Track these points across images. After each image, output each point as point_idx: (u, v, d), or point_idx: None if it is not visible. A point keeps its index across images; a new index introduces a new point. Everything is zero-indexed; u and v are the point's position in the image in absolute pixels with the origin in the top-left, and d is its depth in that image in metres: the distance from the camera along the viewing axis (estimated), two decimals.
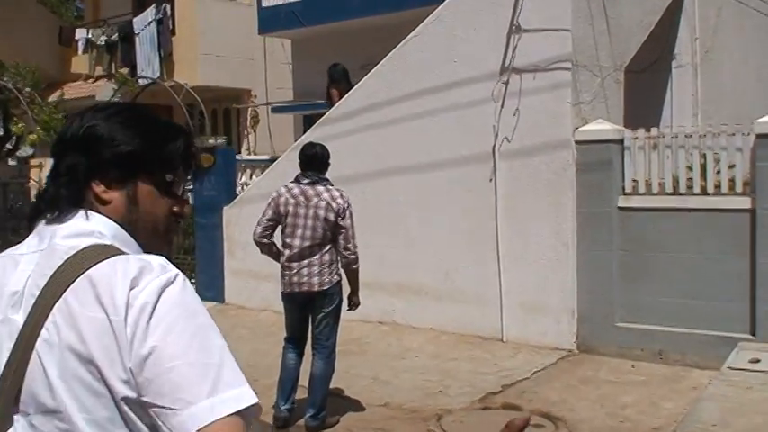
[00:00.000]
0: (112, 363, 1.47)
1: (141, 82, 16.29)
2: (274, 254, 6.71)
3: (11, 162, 27.98)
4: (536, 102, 8.42)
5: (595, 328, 8.23)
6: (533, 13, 8.45)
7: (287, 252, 6.52)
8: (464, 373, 7.86)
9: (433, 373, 7.93)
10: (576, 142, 8.23)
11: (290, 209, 6.47)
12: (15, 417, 1.55)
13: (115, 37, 19.54)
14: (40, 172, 14.20)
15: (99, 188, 1.68)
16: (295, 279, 6.52)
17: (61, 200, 1.67)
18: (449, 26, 9.07)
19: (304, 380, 6.76)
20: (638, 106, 9.63)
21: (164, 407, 1.46)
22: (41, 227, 1.70)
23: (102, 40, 19.83)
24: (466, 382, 7.59)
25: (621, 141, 8.19)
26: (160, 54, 18.53)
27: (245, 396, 1.53)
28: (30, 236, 1.73)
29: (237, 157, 13.52)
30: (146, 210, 1.73)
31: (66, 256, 1.58)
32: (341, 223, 6.44)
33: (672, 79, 11.00)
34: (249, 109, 18.98)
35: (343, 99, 10.08)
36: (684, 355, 7.78)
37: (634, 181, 8.18)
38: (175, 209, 1.79)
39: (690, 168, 7.98)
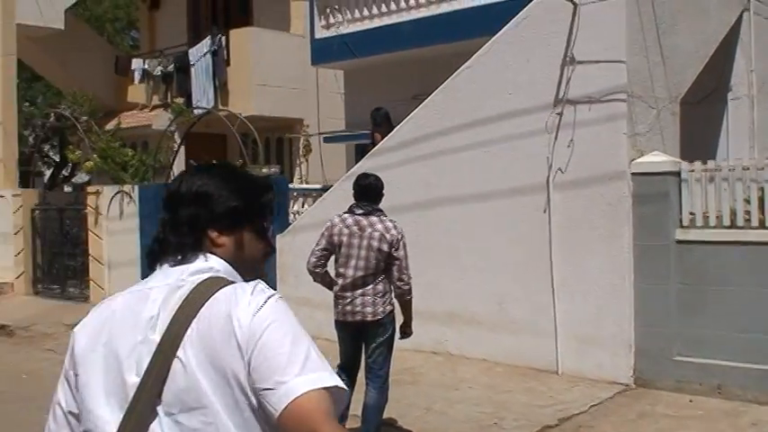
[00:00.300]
0: (237, 362, 1.89)
1: (196, 111, 16.47)
2: (327, 283, 6.74)
3: (66, 188, 28.55)
4: (591, 133, 8.38)
5: (653, 362, 8.12)
6: (588, 43, 8.43)
7: (340, 281, 6.55)
8: (519, 405, 7.80)
9: (487, 404, 7.87)
10: (632, 174, 8.17)
11: (344, 239, 6.50)
12: (160, 415, 1.93)
13: (171, 67, 19.83)
14: (97, 199, 14.41)
15: (214, 234, 2.14)
16: (348, 308, 6.54)
17: (186, 246, 2.10)
18: (502, 57, 9.09)
19: (357, 409, 6.74)
20: (695, 138, 9.55)
21: (266, 389, 1.85)
22: (167, 268, 2.11)
23: (158, 70, 20.14)
24: (521, 415, 7.53)
25: (678, 173, 8.11)
26: (215, 84, 18.76)
27: (329, 378, 1.87)
28: (155, 274, 2.13)
29: (290, 185, 13.63)
30: (248, 251, 2.18)
31: (193, 287, 2.01)
32: (394, 254, 6.47)
33: (728, 111, 10.88)
34: (301, 138, 19.11)
35: (395, 130, 10.10)
36: (744, 389, 7.64)
37: (691, 214, 8.09)
38: (267, 249, 2.26)
39: (747, 201, 7.88)
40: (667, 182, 8.08)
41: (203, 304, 1.97)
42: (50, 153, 31.82)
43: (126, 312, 2.08)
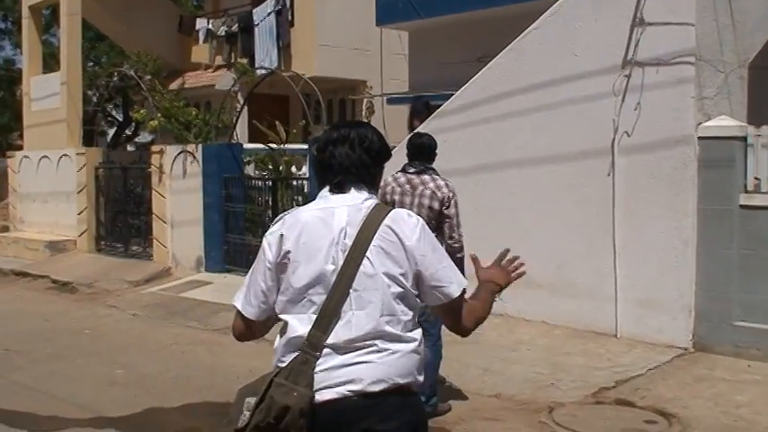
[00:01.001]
0: (405, 264, 2.96)
1: (260, 72, 16.56)
2: None
3: (129, 148, 28.94)
4: (658, 96, 8.28)
5: (712, 327, 8.05)
6: (656, 5, 8.31)
7: None
8: (577, 367, 7.80)
9: (544, 366, 7.89)
10: (699, 138, 8.06)
11: (396, 197, 6.57)
12: (350, 293, 2.92)
13: (235, 27, 19.92)
14: (160, 158, 14.58)
15: (374, 176, 3.19)
16: None
17: (361, 181, 3.09)
18: (569, 18, 8.99)
19: None
20: (762, 103, 9.35)
21: (441, 285, 3.01)
22: (336, 194, 3.07)
23: (222, 30, 20.25)
24: (578, 377, 7.53)
25: (745, 138, 7.98)
26: (278, 44, 18.83)
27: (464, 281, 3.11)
28: (325, 197, 3.08)
29: None
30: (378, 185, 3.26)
31: (370, 208, 3.02)
32: (446, 212, 6.52)
33: None
34: (365, 100, 19.11)
35: (461, 90, 10.06)
36: None
37: (756, 179, 7.96)
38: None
39: None
40: (733, 147, 7.96)
41: (381, 222, 2.97)
42: (114, 112, 32.23)
43: (318, 222, 3.02)
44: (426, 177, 6.62)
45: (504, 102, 9.52)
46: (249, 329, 3.22)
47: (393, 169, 6.81)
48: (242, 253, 13.02)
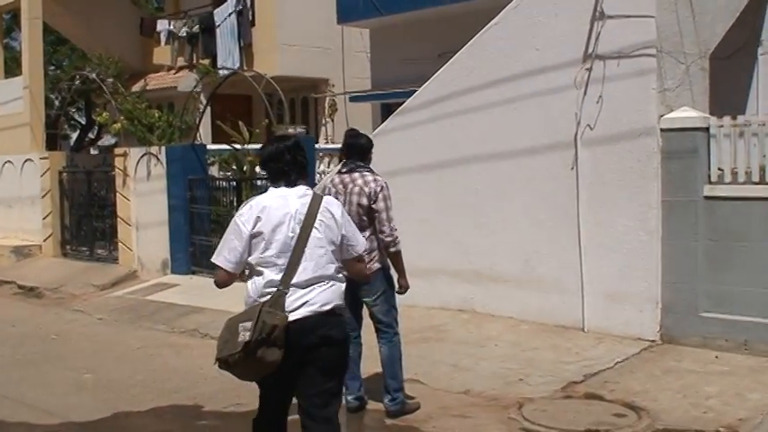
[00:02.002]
0: (336, 231, 4.57)
1: (222, 72, 16.47)
2: None
3: (93, 151, 28.68)
4: (620, 89, 8.30)
5: (679, 319, 8.09)
6: None
7: None
8: (545, 362, 7.81)
9: (513, 361, 7.89)
10: (662, 130, 8.09)
11: (343, 197, 6.59)
12: (305, 251, 4.45)
13: (196, 28, 19.85)
14: (124, 161, 14.45)
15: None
16: None
17: (299, 177, 4.63)
18: (530, 13, 9.00)
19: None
20: (724, 93, 9.43)
21: (352, 245, 4.69)
22: (284, 187, 4.60)
23: (183, 31, 20.17)
24: (547, 372, 7.54)
25: (707, 129, 8.03)
26: (240, 45, 18.77)
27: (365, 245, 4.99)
28: (278, 189, 4.60)
29: (315, 145, 13.63)
30: None
31: (311, 197, 4.56)
32: (374, 207, 6.56)
33: (758, 66, 10.72)
34: (327, 98, 19.09)
35: (423, 87, 10.05)
36: None
37: (720, 170, 8.01)
38: None
39: None
40: (696, 137, 8.01)
41: (320, 205, 4.56)
42: (76, 116, 31.94)
43: (279, 206, 4.53)
44: (356, 175, 6.69)
45: (466, 97, 9.52)
46: (229, 278, 4.62)
47: None
48: (208, 254, 12.76)
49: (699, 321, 7.99)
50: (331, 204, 4.64)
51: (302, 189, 4.59)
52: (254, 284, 4.53)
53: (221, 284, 4.69)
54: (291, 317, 4.37)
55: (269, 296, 4.41)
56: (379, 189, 6.59)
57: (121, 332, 10.65)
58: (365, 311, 6.84)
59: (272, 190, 4.63)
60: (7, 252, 16.79)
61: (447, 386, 7.40)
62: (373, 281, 6.59)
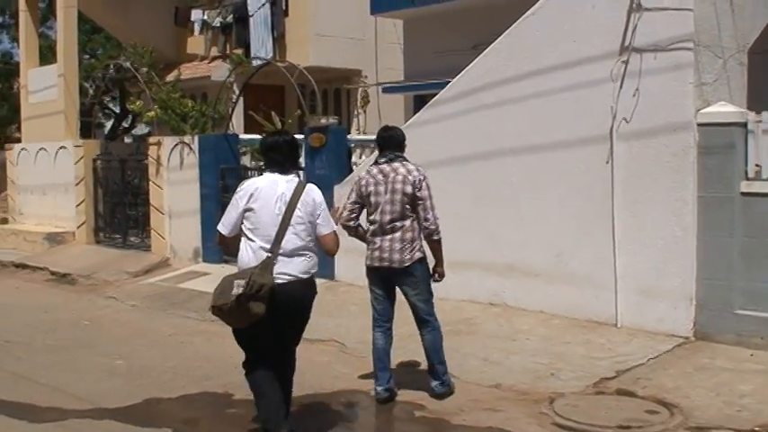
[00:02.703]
0: (313, 212, 5.74)
1: (255, 62, 16.48)
2: (360, 236, 6.94)
3: (126, 140, 28.86)
4: (656, 82, 8.21)
5: (713, 316, 7.99)
6: None
7: (371, 227, 6.78)
8: (577, 357, 7.75)
9: (544, 356, 7.84)
10: (698, 125, 7.99)
11: (372, 188, 6.76)
12: (289, 227, 5.64)
13: (230, 18, 19.88)
14: (158, 149, 14.52)
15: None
16: (376, 254, 6.78)
17: (292, 167, 5.93)
18: (566, 4, 8.91)
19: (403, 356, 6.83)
20: (762, 89, 9.29)
21: (322, 224, 5.79)
22: (277, 174, 5.77)
23: (217, 21, 20.21)
24: (579, 367, 7.48)
25: (745, 124, 7.91)
26: (273, 35, 18.78)
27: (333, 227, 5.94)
28: (272, 174, 5.78)
29: (347, 136, 13.60)
30: None
31: (296, 182, 5.76)
32: (418, 194, 6.69)
33: None
34: (359, 89, 19.06)
35: (457, 78, 9.99)
36: None
37: (757, 166, 7.89)
38: None
39: None
40: (733, 133, 7.90)
41: (303, 189, 5.71)
42: (110, 105, 32.12)
43: (270, 187, 5.71)
44: (397, 164, 6.80)
45: (500, 89, 9.45)
46: (224, 240, 5.91)
47: None
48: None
49: (733, 319, 7.89)
50: (312, 189, 5.80)
51: (291, 176, 5.79)
52: (247, 251, 5.72)
53: (220, 244, 6.07)
54: (277, 281, 5.57)
55: (260, 261, 5.58)
56: (422, 177, 6.73)
57: (153, 319, 10.72)
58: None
59: (266, 174, 5.82)
60: (40, 239, 16.95)
61: (477, 379, 7.37)
62: (414, 270, 6.73)
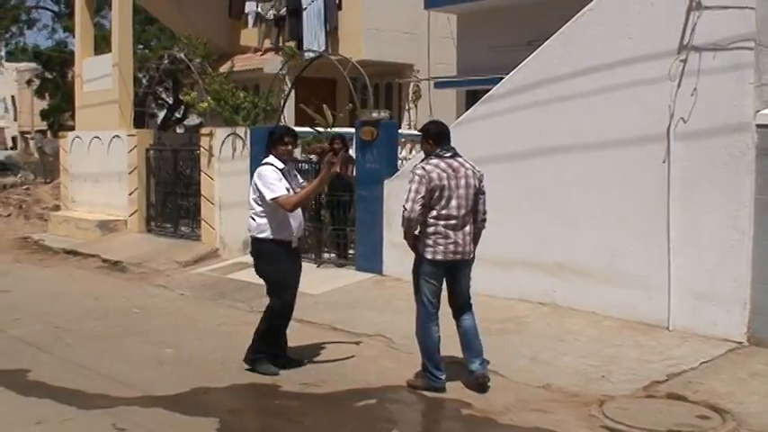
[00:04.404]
0: (258, 187, 7.65)
1: (307, 55, 16.51)
2: (414, 230, 6.99)
3: (178, 130, 29.13)
4: (715, 82, 8.05)
5: None
6: None
7: (443, 222, 6.84)
8: (628, 359, 7.64)
9: (594, 357, 7.74)
10: (757, 126, 7.82)
11: (445, 182, 6.82)
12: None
13: (283, 11, 19.93)
14: (210, 140, 14.60)
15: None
16: (451, 247, 6.89)
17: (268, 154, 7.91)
18: (625, 1, 8.78)
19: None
20: None
21: (264, 193, 7.58)
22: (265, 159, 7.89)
23: (270, 13, 20.28)
24: (629, 369, 7.38)
25: None
26: (326, 28, 18.80)
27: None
28: (271, 156, 7.78)
29: (399, 131, 13.57)
30: None
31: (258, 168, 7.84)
32: (482, 189, 7.03)
33: None
34: (411, 83, 19.01)
35: (511, 74, 9.90)
36: None
37: None
38: None
39: None
40: None
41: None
42: (164, 95, 32.45)
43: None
44: (461, 159, 6.98)
45: (555, 86, 9.35)
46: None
47: None
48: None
49: None
50: (259, 170, 7.62)
51: (268, 159, 7.66)
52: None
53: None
54: None
55: None
56: (481, 173, 7.01)
57: (202, 309, 10.79)
58: None
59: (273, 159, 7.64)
60: (92, 226, 17.16)
61: (526, 379, 7.30)
62: (473, 260, 7.09)
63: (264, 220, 7.56)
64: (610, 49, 8.84)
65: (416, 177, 6.81)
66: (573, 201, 9.24)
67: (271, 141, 7.75)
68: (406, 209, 6.80)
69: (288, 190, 7.53)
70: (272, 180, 7.47)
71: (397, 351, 8.24)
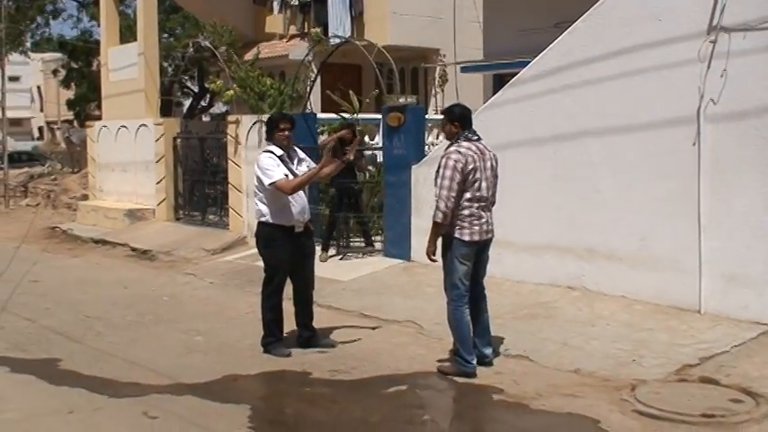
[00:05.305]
0: (258, 174, 7.84)
1: (333, 41, 16.48)
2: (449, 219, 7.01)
3: (204, 118, 29.21)
4: (746, 63, 7.94)
5: None
6: None
7: (476, 204, 6.97)
8: (659, 343, 7.58)
9: (625, 341, 7.69)
10: None
11: (478, 164, 6.96)
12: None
13: None
14: (236, 128, 14.63)
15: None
16: (485, 227, 7.07)
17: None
18: None
19: None
20: None
21: (265, 179, 7.78)
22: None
23: (295, 0, 20.24)
24: (661, 353, 7.32)
25: None
26: (351, 13, 18.77)
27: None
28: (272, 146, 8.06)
29: (425, 116, 13.52)
30: None
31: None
32: (497, 172, 7.21)
33: None
34: (437, 68, 18.94)
35: (539, 57, 9.82)
36: None
37: None
38: None
39: None
40: None
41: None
42: (189, 83, 32.52)
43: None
44: (483, 144, 7.13)
45: (584, 68, 9.26)
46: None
47: None
48: (314, 222, 12.97)
49: None
50: (259, 157, 7.87)
51: (269, 147, 7.94)
52: None
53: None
54: None
55: None
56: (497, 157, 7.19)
57: (231, 296, 10.83)
58: None
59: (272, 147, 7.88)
60: (121, 215, 17.27)
61: (556, 364, 7.27)
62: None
63: (265, 206, 7.83)
64: (638, 31, 8.74)
65: (451, 163, 6.83)
66: (602, 184, 9.16)
67: (268, 129, 8.06)
68: (443, 203, 6.82)
69: (286, 175, 7.74)
70: (269, 166, 7.71)
71: (427, 337, 8.24)
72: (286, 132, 7.92)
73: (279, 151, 7.82)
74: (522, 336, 7.88)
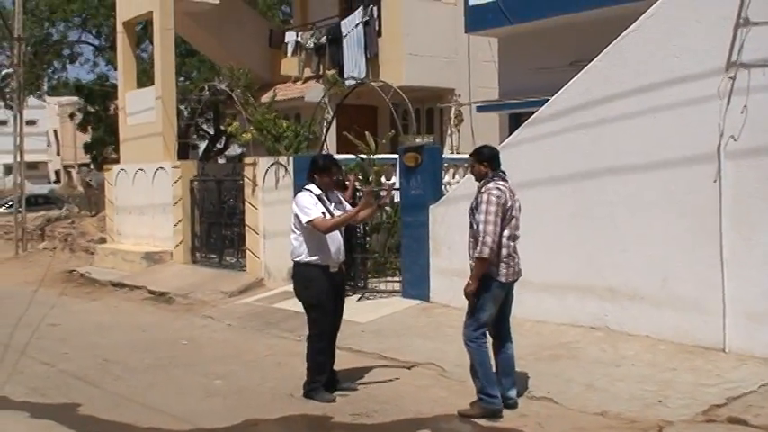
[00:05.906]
0: (296, 211, 7.78)
1: (348, 83, 16.55)
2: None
3: (220, 161, 29.34)
4: (765, 99, 7.91)
5: None
6: (762, 3, 7.94)
7: (512, 243, 7.02)
8: (684, 384, 7.47)
9: (651, 382, 7.58)
10: None
11: (513, 204, 7.04)
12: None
13: (323, 39, 20.01)
14: (253, 170, 14.66)
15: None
16: (518, 268, 7.12)
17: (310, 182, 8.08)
18: (670, 19, 8.67)
19: None
20: None
21: (303, 217, 7.74)
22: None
23: (310, 42, 20.36)
24: (687, 394, 7.21)
25: None
26: (366, 55, 18.82)
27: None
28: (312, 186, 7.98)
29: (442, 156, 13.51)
30: None
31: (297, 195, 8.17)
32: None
33: None
34: (453, 108, 18.98)
35: (556, 96, 9.81)
36: None
37: None
38: None
39: None
40: None
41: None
42: (205, 126, 32.72)
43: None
44: (510, 183, 7.21)
45: (600, 107, 9.25)
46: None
47: None
48: None
49: None
50: (297, 196, 7.85)
51: (308, 186, 7.82)
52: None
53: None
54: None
55: None
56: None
57: (250, 339, 10.77)
58: None
59: (312, 186, 7.81)
60: (138, 258, 17.28)
61: (582, 406, 7.17)
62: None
63: (302, 245, 7.75)
64: (655, 69, 8.73)
65: (494, 199, 6.86)
66: (622, 224, 9.10)
67: (315, 170, 7.89)
68: (489, 238, 6.80)
69: (324, 214, 7.67)
70: (308, 204, 7.66)
71: (448, 379, 8.15)
72: (334, 178, 7.93)
73: (317, 191, 7.78)
74: (545, 377, 7.78)
